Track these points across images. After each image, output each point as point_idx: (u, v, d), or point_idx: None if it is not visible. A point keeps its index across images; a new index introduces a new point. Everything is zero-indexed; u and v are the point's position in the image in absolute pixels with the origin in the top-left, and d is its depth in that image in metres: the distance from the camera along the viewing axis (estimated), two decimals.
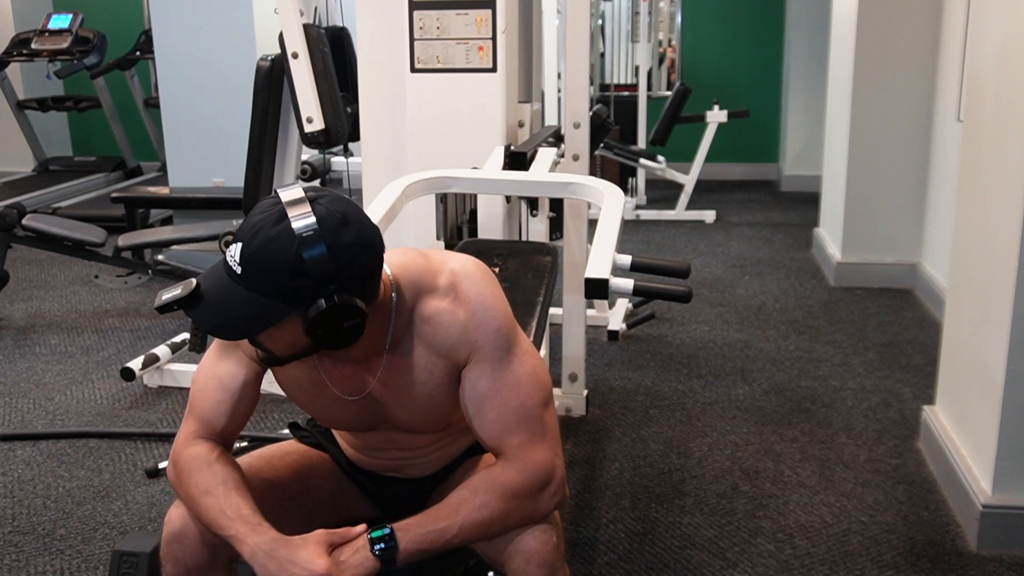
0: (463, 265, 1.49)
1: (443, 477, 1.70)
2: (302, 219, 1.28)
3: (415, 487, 1.70)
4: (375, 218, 2.21)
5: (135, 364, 3.48)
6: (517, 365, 1.46)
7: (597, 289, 1.93)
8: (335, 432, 1.76)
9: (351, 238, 1.30)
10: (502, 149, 2.72)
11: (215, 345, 1.57)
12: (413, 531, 1.37)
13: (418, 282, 1.47)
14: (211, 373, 1.54)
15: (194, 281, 1.34)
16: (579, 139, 3.09)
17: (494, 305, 1.47)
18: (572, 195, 2.53)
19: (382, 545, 1.35)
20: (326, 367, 1.52)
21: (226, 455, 1.51)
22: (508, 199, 2.84)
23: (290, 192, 1.32)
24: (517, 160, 2.68)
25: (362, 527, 1.39)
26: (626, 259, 2.08)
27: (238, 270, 1.30)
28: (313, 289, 1.29)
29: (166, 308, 1.36)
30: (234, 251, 1.31)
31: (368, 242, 1.33)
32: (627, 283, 2.00)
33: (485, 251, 2.31)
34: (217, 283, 1.33)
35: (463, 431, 1.65)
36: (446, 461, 1.70)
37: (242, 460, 1.65)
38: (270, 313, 1.31)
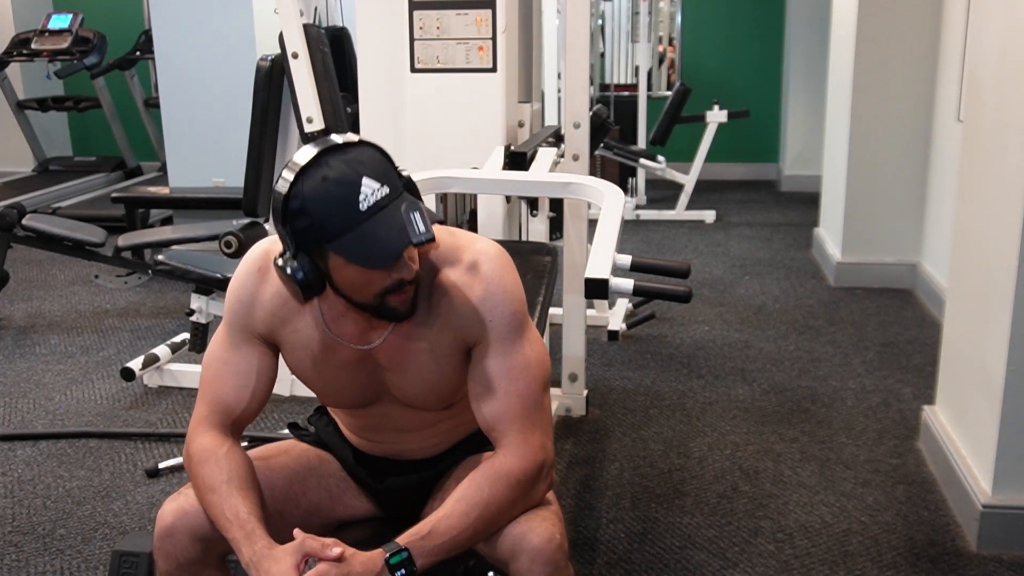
0: (487, 247, 1.54)
1: (441, 465, 1.70)
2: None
3: (414, 478, 1.69)
4: None
5: (135, 364, 3.48)
6: (528, 349, 1.51)
7: (597, 289, 1.93)
8: (338, 419, 1.76)
9: None
10: (502, 149, 2.72)
11: (223, 334, 1.58)
12: (427, 546, 1.39)
13: (441, 254, 1.52)
14: (223, 359, 1.56)
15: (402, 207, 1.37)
16: (579, 139, 3.09)
17: (512, 289, 1.51)
18: (572, 195, 2.53)
19: (402, 571, 1.37)
20: (338, 324, 1.52)
21: (235, 448, 1.53)
22: (508, 199, 2.83)
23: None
24: (517, 160, 2.68)
25: (339, 551, 1.36)
26: (626, 259, 2.08)
27: (385, 190, 1.35)
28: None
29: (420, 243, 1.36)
30: (371, 187, 1.35)
31: None
32: (627, 283, 2.00)
33: None
34: (393, 207, 1.36)
35: (462, 418, 1.66)
36: (445, 447, 1.70)
37: (258, 454, 1.66)
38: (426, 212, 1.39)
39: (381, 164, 1.38)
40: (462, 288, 1.49)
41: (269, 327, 1.55)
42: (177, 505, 1.54)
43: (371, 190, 1.35)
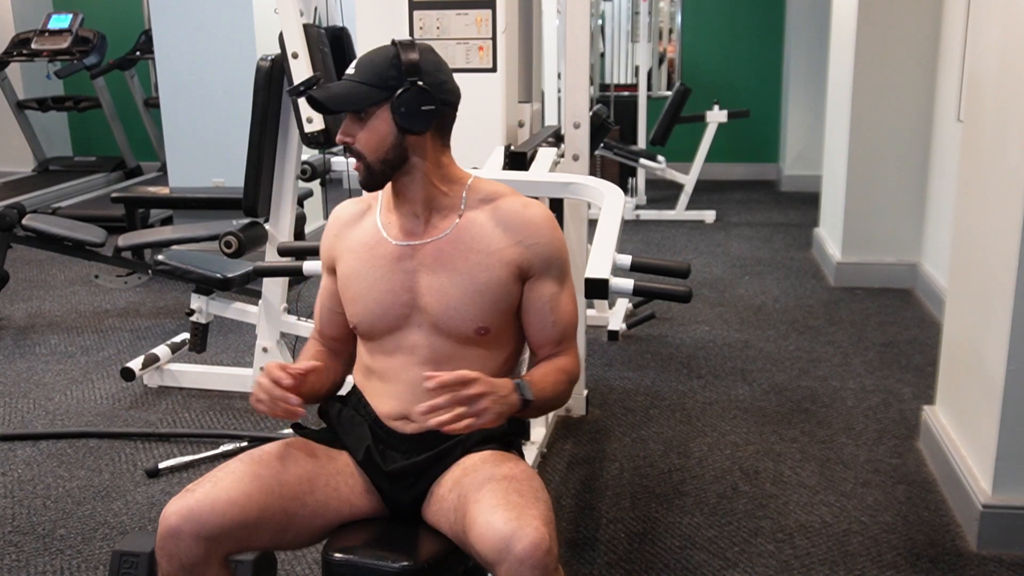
0: (545, 208, 1.79)
1: (445, 446, 1.70)
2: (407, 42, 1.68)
3: (420, 459, 1.70)
4: None
5: (135, 364, 3.48)
6: (573, 288, 1.80)
7: (597, 289, 1.93)
8: (361, 374, 1.81)
9: (438, 66, 1.69)
10: (502, 149, 2.72)
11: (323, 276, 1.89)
12: (535, 386, 1.63)
13: (504, 190, 1.77)
14: (319, 293, 1.88)
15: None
16: (579, 139, 3.09)
17: (564, 241, 1.78)
18: (572, 195, 2.53)
19: (527, 394, 1.60)
20: (387, 221, 1.75)
21: (322, 350, 1.86)
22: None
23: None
24: (517, 160, 2.68)
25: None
26: (626, 259, 2.08)
27: (351, 71, 1.67)
28: (401, 78, 1.63)
29: (296, 90, 1.91)
30: (351, 68, 1.68)
31: (450, 79, 1.71)
32: (627, 283, 1.99)
33: None
34: (336, 83, 1.68)
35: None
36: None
37: (251, 454, 1.66)
38: (369, 94, 1.64)
39: (374, 60, 1.66)
40: (536, 221, 1.73)
41: (334, 250, 1.81)
42: (181, 505, 1.54)
43: (350, 68, 1.67)
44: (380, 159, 1.66)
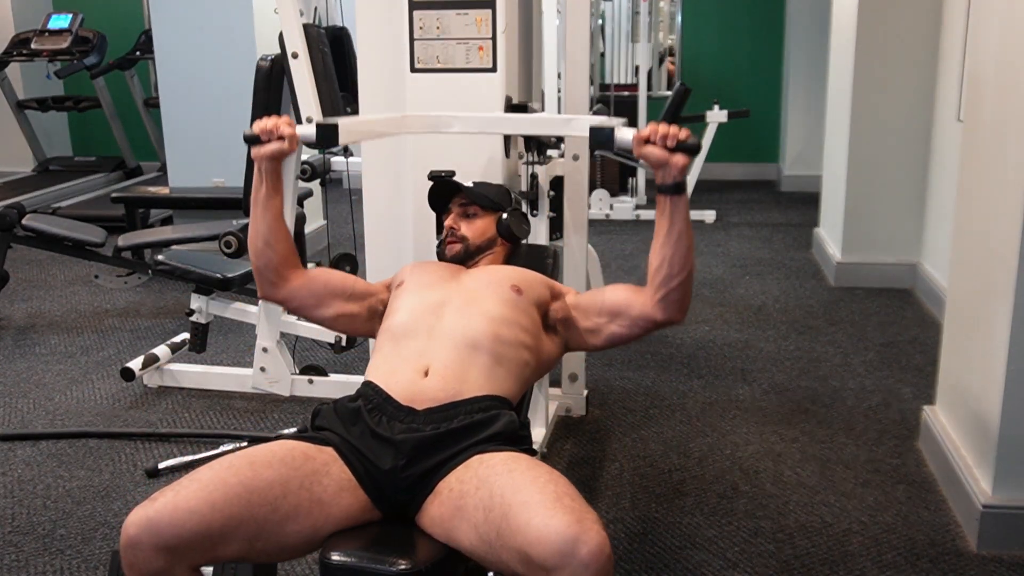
0: None
1: (450, 439, 1.69)
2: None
3: (427, 434, 1.68)
4: (362, 122, 2.24)
5: (135, 364, 3.48)
6: None
7: (601, 134, 1.95)
8: (383, 349, 1.90)
9: None
10: (503, 102, 2.69)
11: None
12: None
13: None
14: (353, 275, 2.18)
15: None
16: (579, 139, 3.08)
17: None
18: (574, 132, 2.50)
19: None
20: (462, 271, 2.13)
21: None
22: (507, 154, 2.80)
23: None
24: (517, 111, 2.69)
25: None
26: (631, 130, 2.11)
27: (470, 184, 2.25)
28: (504, 205, 2.23)
29: (434, 176, 2.27)
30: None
31: None
32: (632, 131, 2.02)
33: None
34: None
35: (495, 362, 1.82)
36: (468, 393, 1.75)
37: (224, 459, 1.62)
38: (491, 204, 2.21)
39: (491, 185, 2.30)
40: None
41: (407, 270, 2.11)
42: (140, 515, 1.50)
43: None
44: (479, 245, 2.18)
